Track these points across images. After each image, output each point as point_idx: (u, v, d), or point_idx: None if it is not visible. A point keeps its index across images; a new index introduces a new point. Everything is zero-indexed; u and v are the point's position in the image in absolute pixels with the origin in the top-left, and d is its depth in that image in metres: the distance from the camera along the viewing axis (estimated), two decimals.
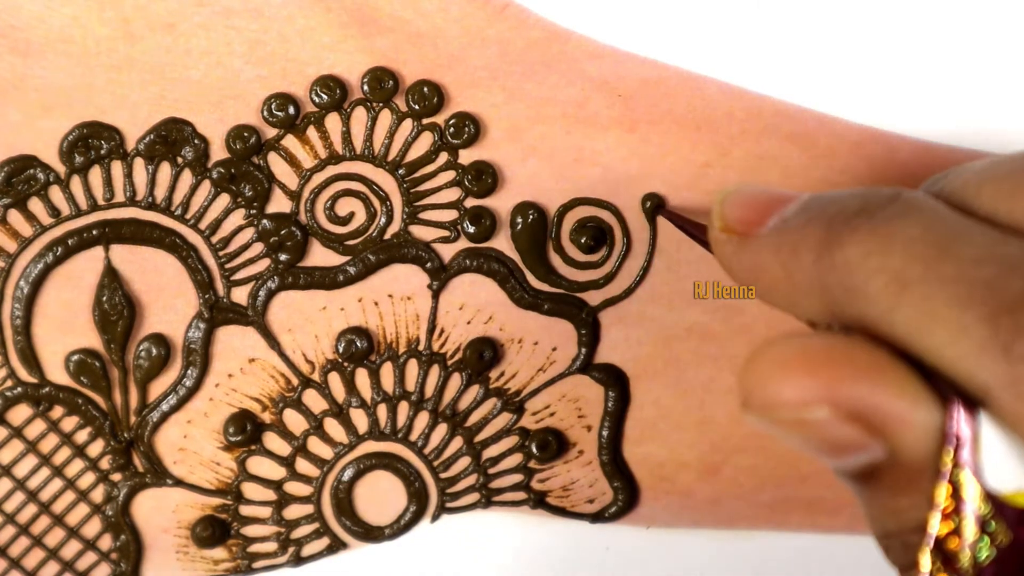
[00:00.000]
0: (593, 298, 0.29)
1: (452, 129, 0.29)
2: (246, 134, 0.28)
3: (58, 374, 0.28)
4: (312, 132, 0.29)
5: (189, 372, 0.29)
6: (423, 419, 0.29)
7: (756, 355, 0.18)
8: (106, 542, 0.29)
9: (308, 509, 0.30)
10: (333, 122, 0.29)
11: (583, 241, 0.29)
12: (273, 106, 0.28)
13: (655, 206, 0.29)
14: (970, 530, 0.17)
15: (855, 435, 0.18)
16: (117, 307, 0.28)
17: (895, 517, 0.18)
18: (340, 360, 0.29)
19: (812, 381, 0.18)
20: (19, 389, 0.28)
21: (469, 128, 0.29)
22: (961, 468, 0.17)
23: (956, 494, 0.17)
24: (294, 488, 0.30)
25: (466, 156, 0.29)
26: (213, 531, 0.29)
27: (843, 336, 0.19)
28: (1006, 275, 0.17)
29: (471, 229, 0.29)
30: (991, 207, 0.19)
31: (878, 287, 0.18)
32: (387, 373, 0.29)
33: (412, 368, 0.29)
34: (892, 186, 0.20)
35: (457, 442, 0.30)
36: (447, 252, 0.29)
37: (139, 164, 0.28)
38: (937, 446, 0.17)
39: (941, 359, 0.17)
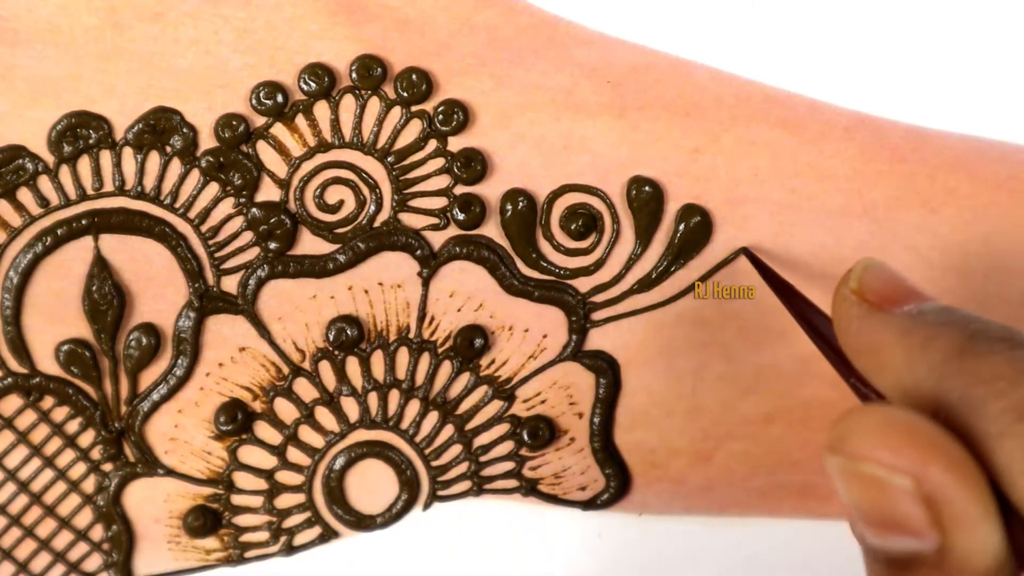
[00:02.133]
0: (583, 284, 0.29)
1: (441, 116, 0.29)
2: (235, 123, 0.28)
3: (48, 364, 0.28)
4: (301, 120, 0.29)
5: (179, 361, 0.29)
6: (414, 407, 0.29)
7: (866, 410, 0.19)
8: (97, 532, 0.29)
9: (300, 498, 0.30)
10: (322, 110, 0.29)
11: (573, 228, 0.29)
12: (261, 94, 0.28)
13: (742, 249, 0.29)
14: None
15: (919, 518, 0.18)
16: (107, 297, 0.28)
17: None
18: (331, 348, 0.29)
19: (910, 451, 0.18)
20: (9, 379, 0.28)
21: (458, 115, 0.29)
22: None
23: None
24: (285, 477, 0.29)
25: (455, 143, 0.29)
26: (205, 521, 0.29)
27: (943, 428, 0.19)
28: None
29: (461, 216, 0.29)
30: None
31: (995, 410, 0.18)
32: (378, 361, 0.29)
33: (403, 356, 0.29)
34: None
35: (448, 430, 0.29)
36: (437, 239, 0.29)
37: (128, 153, 0.28)
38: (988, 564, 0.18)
39: None
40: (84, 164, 0.28)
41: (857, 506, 0.19)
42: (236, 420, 0.29)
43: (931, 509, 0.18)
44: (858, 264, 0.23)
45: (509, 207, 0.29)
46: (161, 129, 0.28)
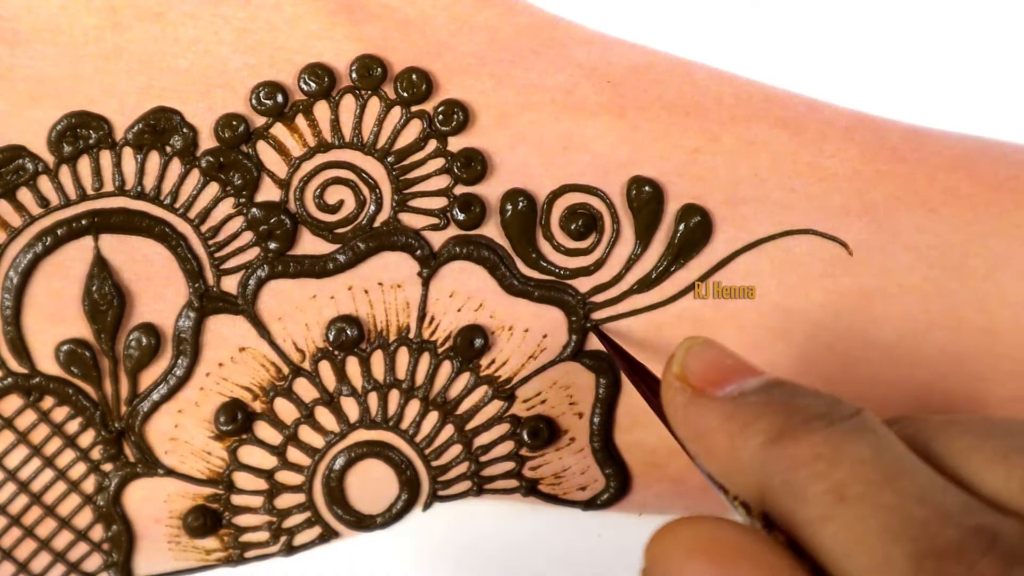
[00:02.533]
0: (583, 284, 0.29)
1: (441, 116, 0.29)
2: (235, 123, 0.28)
3: (48, 364, 0.28)
4: (301, 120, 0.29)
5: (179, 361, 0.29)
6: (414, 407, 0.29)
7: (666, 531, 0.19)
8: (97, 532, 0.29)
9: (300, 498, 0.30)
10: (322, 110, 0.29)
11: (573, 228, 0.29)
12: (261, 94, 0.28)
13: (592, 326, 0.29)
14: None
15: None
16: (107, 297, 0.28)
17: None
18: (330, 348, 0.29)
19: (713, 571, 0.18)
20: (9, 379, 0.28)
21: (458, 115, 0.29)
22: None
23: None
24: (285, 477, 0.29)
25: (455, 143, 0.29)
26: (204, 521, 0.29)
27: (751, 531, 0.19)
28: (942, 522, 0.17)
29: (460, 216, 0.29)
30: (940, 459, 0.20)
31: (816, 492, 0.18)
32: (378, 361, 0.29)
33: (403, 356, 0.29)
34: (856, 403, 0.21)
35: (448, 430, 0.29)
36: (437, 240, 0.29)
37: (128, 153, 0.28)
38: None
39: None
40: (84, 164, 0.28)
41: None
42: (236, 420, 0.29)
43: None
44: (680, 347, 0.23)
45: (509, 207, 0.29)
46: (161, 129, 0.28)
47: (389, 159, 0.29)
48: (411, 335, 0.29)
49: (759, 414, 0.20)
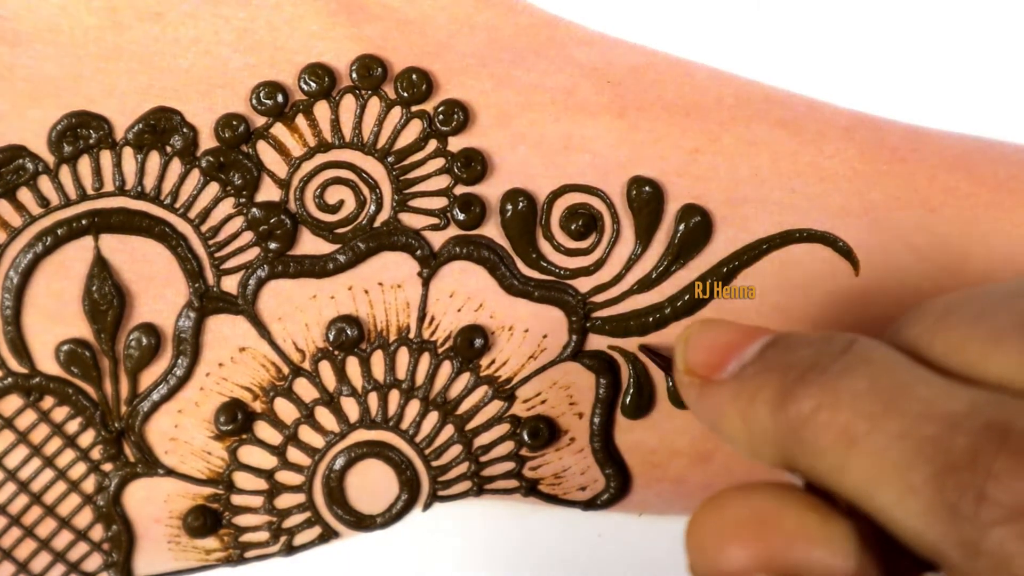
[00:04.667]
0: (583, 284, 0.29)
1: (441, 116, 0.29)
2: (235, 123, 0.28)
3: (48, 364, 0.28)
4: (301, 120, 0.29)
5: (179, 361, 0.29)
6: (414, 407, 0.29)
7: (696, 521, 0.20)
8: (97, 532, 0.29)
9: (300, 498, 0.30)
10: (322, 110, 0.29)
11: (573, 228, 0.29)
12: (262, 94, 0.28)
13: (640, 346, 0.29)
14: None
15: None
16: (107, 297, 0.28)
17: None
18: (331, 349, 0.29)
19: (749, 550, 0.19)
20: (9, 379, 0.28)
21: (458, 115, 0.29)
22: None
23: None
24: (285, 477, 0.29)
25: (455, 143, 0.29)
26: (204, 521, 0.29)
27: (777, 492, 0.19)
28: (949, 432, 0.17)
29: (461, 216, 0.29)
30: (944, 359, 0.20)
31: (827, 443, 0.18)
32: (378, 361, 0.29)
33: (403, 356, 0.29)
34: (849, 333, 0.21)
35: (448, 430, 0.29)
36: (437, 240, 0.29)
37: (128, 153, 0.28)
38: None
39: (890, 518, 0.18)
40: (84, 164, 0.28)
41: None
42: (236, 420, 0.29)
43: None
44: (678, 340, 0.23)
45: (509, 207, 0.29)
46: (161, 129, 0.28)
47: (389, 159, 0.29)
48: (411, 335, 0.29)
49: (760, 384, 0.20)
